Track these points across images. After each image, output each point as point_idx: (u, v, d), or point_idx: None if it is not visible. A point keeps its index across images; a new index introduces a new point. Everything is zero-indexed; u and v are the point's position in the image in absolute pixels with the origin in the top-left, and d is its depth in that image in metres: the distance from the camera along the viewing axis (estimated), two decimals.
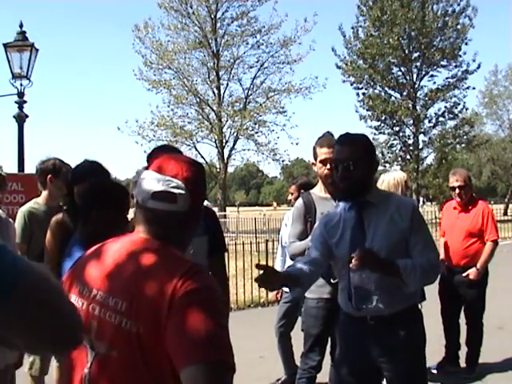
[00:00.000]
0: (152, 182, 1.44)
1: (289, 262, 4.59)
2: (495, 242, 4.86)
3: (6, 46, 8.84)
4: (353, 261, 2.39)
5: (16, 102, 8.81)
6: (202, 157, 24.35)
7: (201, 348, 1.27)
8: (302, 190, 4.69)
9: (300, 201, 3.58)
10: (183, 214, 1.45)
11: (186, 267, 1.37)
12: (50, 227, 3.18)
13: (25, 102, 8.87)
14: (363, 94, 25.63)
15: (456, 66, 25.63)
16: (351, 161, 2.50)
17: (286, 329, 4.77)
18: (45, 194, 4.04)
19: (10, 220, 3.74)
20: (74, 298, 1.46)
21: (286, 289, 4.86)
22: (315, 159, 3.50)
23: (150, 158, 2.81)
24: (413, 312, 2.65)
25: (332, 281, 3.41)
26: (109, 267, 1.44)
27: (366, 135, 2.79)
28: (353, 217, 2.59)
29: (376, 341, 2.57)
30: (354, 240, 2.55)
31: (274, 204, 53.20)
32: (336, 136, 3.62)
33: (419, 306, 2.79)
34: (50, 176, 3.94)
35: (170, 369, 1.32)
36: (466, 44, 25.36)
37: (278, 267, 5.07)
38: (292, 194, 4.86)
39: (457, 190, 4.90)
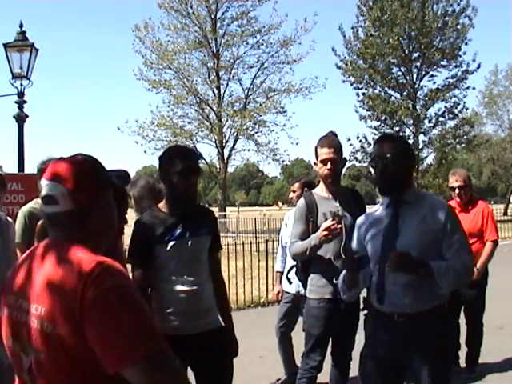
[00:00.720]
0: (41, 188, 1.54)
1: (290, 262, 4.59)
2: (495, 242, 4.86)
3: (5, 45, 8.84)
4: (388, 262, 2.50)
5: (16, 102, 8.81)
6: (203, 157, 24.32)
7: (134, 346, 1.35)
8: (306, 189, 4.69)
9: (302, 201, 3.58)
10: (73, 213, 1.49)
11: (91, 267, 1.40)
12: (37, 231, 3.18)
13: (25, 101, 8.87)
14: (363, 94, 25.64)
15: (456, 66, 25.63)
16: (390, 156, 2.64)
17: (287, 329, 4.77)
18: None
19: (10, 220, 3.74)
20: (5, 308, 1.55)
21: (286, 288, 4.86)
22: (316, 159, 3.51)
23: (161, 158, 2.87)
24: (440, 312, 2.66)
25: (334, 281, 3.42)
26: (28, 275, 1.50)
27: (404, 137, 2.97)
28: (389, 214, 2.72)
29: (402, 338, 2.63)
30: (386, 236, 2.66)
31: (280, 204, 53.14)
32: (340, 136, 3.65)
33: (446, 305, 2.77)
34: None
35: (97, 368, 1.38)
36: (466, 44, 25.39)
37: (278, 267, 5.06)
38: (295, 191, 4.83)
39: (456, 190, 4.90)
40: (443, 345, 2.65)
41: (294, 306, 4.67)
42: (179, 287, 2.75)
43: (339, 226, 3.26)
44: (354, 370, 3.77)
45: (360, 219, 2.94)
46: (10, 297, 1.53)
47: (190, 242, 2.76)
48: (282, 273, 4.92)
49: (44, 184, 1.51)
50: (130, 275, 3.02)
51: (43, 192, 1.51)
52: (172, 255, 2.73)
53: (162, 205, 2.86)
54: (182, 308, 2.73)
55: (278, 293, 5.02)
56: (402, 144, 2.78)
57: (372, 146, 25.16)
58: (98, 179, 1.54)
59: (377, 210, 2.88)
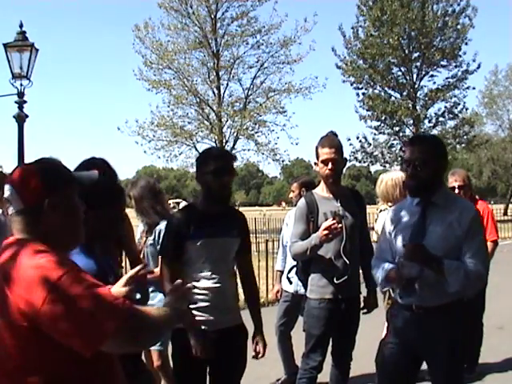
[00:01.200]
0: None
1: (289, 262, 4.59)
2: (495, 242, 4.86)
3: (5, 45, 8.85)
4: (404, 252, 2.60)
5: (16, 102, 8.81)
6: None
7: (94, 330, 1.46)
8: (304, 189, 4.70)
9: (302, 200, 3.59)
10: (23, 212, 1.61)
11: (28, 265, 1.50)
12: None
13: (25, 101, 8.88)
14: (363, 94, 25.63)
15: (456, 66, 25.62)
16: (419, 161, 2.66)
17: (287, 328, 4.77)
18: None
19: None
20: None
21: (285, 287, 4.86)
22: (317, 159, 3.51)
23: (197, 159, 3.01)
24: (456, 307, 2.74)
25: (335, 281, 3.42)
26: None
27: (437, 137, 3.06)
28: (417, 213, 2.75)
29: (417, 329, 2.72)
30: (413, 235, 2.70)
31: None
32: (340, 136, 3.66)
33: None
34: None
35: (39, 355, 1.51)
36: (466, 44, 25.37)
37: (279, 266, 5.06)
38: (293, 191, 4.85)
39: (456, 190, 4.89)
40: (455, 337, 2.73)
41: (292, 305, 4.67)
42: (204, 284, 2.85)
43: (339, 225, 3.27)
44: (354, 370, 3.78)
45: (391, 210, 3.01)
46: None
47: (218, 242, 2.86)
48: (282, 272, 4.92)
49: (5, 187, 1.65)
50: (158, 269, 3.20)
51: (4, 195, 1.65)
52: (200, 252, 2.83)
53: (197, 203, 2.98)
54: (205, 304, 2.83)
55: (278, 292, 5.02)
56: (432, 146, 2.76)
57: (372, 147, 25.52)
58: (46, 179, 1.61)
59: (406, 204, 2.90)
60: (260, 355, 3.05)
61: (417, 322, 2.73)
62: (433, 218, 2.70)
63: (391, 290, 3.01)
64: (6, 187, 1.62)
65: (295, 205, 4.85)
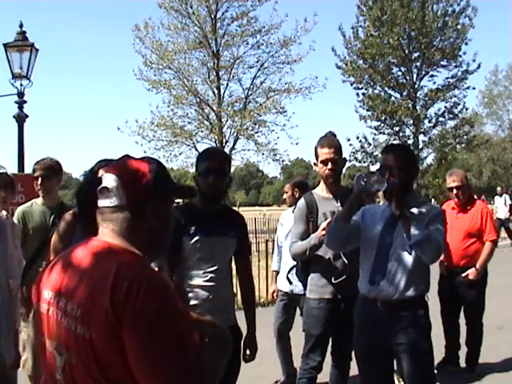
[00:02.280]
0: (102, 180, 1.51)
1: (286, 261, 4.62)
2: (494, 242, 4.86)
3: (6, 45, 8.84)
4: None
5: (16, 102, 8.80)
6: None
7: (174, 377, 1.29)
8: (297, 189, 4.74)
9: (302, 201, 3.59)
10: (124, 209, 1.45)
11: (130, 274, 1.34)
12: (66, 219, 3.19)
13: (25, 101, 8.87)
14: (363, 94, 25.59)
15: (456, 66, 25.57)
16: (396, 166, 2.93)
17: (285, 327, 4.78)
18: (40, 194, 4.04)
19: (13, 221, 3.73)
20: (42, 304, 1.50)
21: (280, 287, 4.86)
22: (316, 159, 3.51)
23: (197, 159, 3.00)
24: (418, 301, 2.97)
25: (333, 280, 3.42)
26: (70, 273, 1.45)
27: (409, 147, 3.34)
28: (390, 210, 2.98)
29: (384, 324, 2.92)
30: (385, 228, 2.98)
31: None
32: (340, 136, 3.67)
33: (426, 298, 3.06)
34: None
35: (128, 378, 1.33)
36: (466, 44, 25.30)
37: (275, 267, 5.07)
38: (287, 192, 4.88)
39: (454, 191, 4.90)
40: (421, 327, 2.93)
41: (289, 305, 4.69)
42: (197, 282, 2.85)
43: None
44: (354, 370, 3.78)
45: (366, 206, 3.20)
46: (47, 292, 1.48)
47: (213, 240, 2.86)
48: (277, 272, 4.93)
49: (104, 176, 1.49)
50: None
51: (102, 184, 1.48)
52: (194, 249, 2.84)
53: (195, 202, 2.99)
54: (198, 302, 2.82)
55: (274, 292, 5.03)
56: (405, 154, 3.09)
57: (372, 147, 25.51)
58: (157, 182, 1.48)
59: (379, 206, 3.23)
60: (249, 359, 3.02)
61: (382, 316, 2.93)
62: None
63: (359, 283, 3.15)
64: (111, 177, 1.46)
65: (290, 205, 4.88)
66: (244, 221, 3.14)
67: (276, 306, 4.86)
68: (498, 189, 17.88)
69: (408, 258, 2.91)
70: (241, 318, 3.07)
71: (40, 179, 3.94)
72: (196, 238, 2.84)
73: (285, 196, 4.96)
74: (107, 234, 1.47)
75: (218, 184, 2.84)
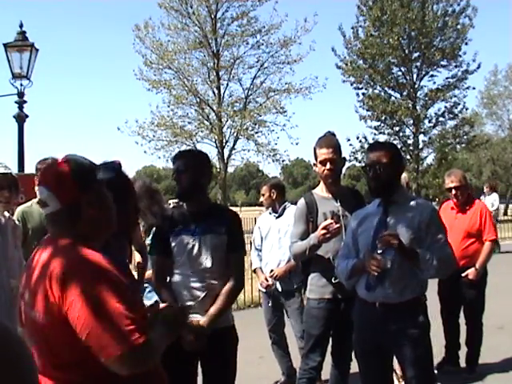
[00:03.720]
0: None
1: (266, 262, 4.65)
2: (494, 242, 4.86)
3: (6, 45, 8.84)
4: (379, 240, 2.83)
5: (16, 102, 8.80)
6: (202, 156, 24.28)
7: (114, 342, 1.51)
8: (274, 191, 4.75)
9: (302, 201, 3.59)
10: (61, 212, 1.65)
11: (64, 258, 1.57)
12: None
13: (25, 101, 8.87)
14: (363, 94, 25.58)
15: (456, 66, 25.56)
16: (379, 165, 2.94)
17: (278, 328, 4.78)
18: None
19: (15, 222, 3.72)
20: (21, 300, 1.74)
21: (261, 288, 4.85)
22: (315, 160, 3.51)
23: (173, 160, 3.03)
24: (417, 303, 2.95)
25: (333, 280, 3.42)
26: (30, 267, 1.69)
27: (393, 143, 3.55)
28: (379, 212, 3.02)
29: (383, 325, 2.91)
30: (376, 230, 2.94)
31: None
32: (339, 136, 3.66)
33: (424, 298, 3.05)
34: None
35: (79, 359, 1.55)
36: (466, 44, 25.29)
37: (257, 265, 4.95)
38: (263, 194, 4.82)
39: (453, 191, 4.90)
40: (420, 330, 2.91)
41: (275, 305, 4.70)
42: (189, 282, 2.85)
43: (337, 225, 3.27)
44: (354, 370, 3.78)
45: (354, 214, 3.21)
46: (23, 290, 1.71)
47: (197, 240, 2.86)
48: (260, 268, 4.87)
49: (36, 189, 1.72)
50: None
51: (38, 196, 1.72)
52: (182, 249, 2.86)
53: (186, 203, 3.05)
54: (193, 303, 2.80)
55: (266, 280, 5.00)
56: (390, 152, 3.04)
57: (367, 148, 25.24)
58: (78, 175, 1.66)
59: (368, 207, 3.20)
60: (188, 347, 2.71)
61: (380, 318, 2.92)
62: (393, 214, 2.97)
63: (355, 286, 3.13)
64: (40, 189, 1.66)
65: (267, 207, 4.86)
66: (236, 217, 3.06)
67: (264, 309, 4.84)
68: (485, 187, 16.26)
69: (403, 262, 2.86)
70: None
71: None
72: (182, 237, 2.87)
73: (262, 198, 4.91)
74: (55, 232, 1.69)
75: (181, 182, 2.91)
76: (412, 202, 3.04)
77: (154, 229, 3.17)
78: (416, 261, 2.81)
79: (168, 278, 2.96)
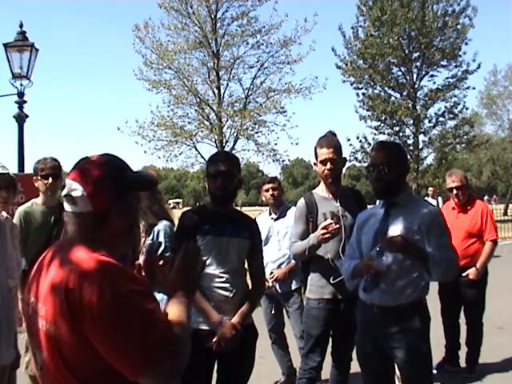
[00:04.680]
0: (65, 185, 1.58)
1: (266, 265, 4.66)
2: (494, 242, 4.86)
3: (6, 45, 8.83)
4: (381, 243, 2.78)
5: (16, 102, 8.79)
6: (202, 157, 24.31)
7: (143, 359, 1.37)
8: (279, 186, 4.81)
9: (302, 201, 3.59)
10: (90, 215, 1.51)
11: (89, 267, 1.42)
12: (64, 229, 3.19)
13: (25, 101, 8.86)
14: (363, 94, 25.58)
15: (456, 66, 25.56)
16: (384, 165, 2.87)
17: (278, 328, 4.79)
18: (42, 194, 4.04)
19: (14, 222, 3.72)
20: (26, 306, 1.59)
21: None
22: (316, 159, 3.51)
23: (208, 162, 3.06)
24: (415, 306, 2.87)
25: (332, 280, 3.42)
26: (39, 275, 1.55)
27: (398, 143, 3.26)
28: (381, 213, 2.98)
29: (381, 328, 2.88)
30: (377, 232, 2.91)
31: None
32: (340, 136, 3.66)
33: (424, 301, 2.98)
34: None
35: (96, 374, 1.41)
36: (466, 44, 25.29)
37: None
38: (268, 190, 4.76)
39: (454, 191, 4.90)
40: (418, 339, 2.84)
41: (274, 303, 4.70)
42: (214, 282, 2.89)
43: (337, 225, 3.27)
44: (354, 370, 3.78)
45: (359, 215, 3.17)
46: (29, 295, 1.57)
47: (225, 241, 2.91)
48: None
49: (67, 183, 1.54)
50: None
51: (65, 190, 1.53)
52: (207, 248, 2.87)
53: (208, 204, 3.09)
54: (216, 303, 2.86)
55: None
56: (395, 152, 2.99)
57: (371, 147, 25.33)
58: (118, 183, 1.53)
59: (374, 207, 3.16)
60: (220, 350, 2.84)
61: (378, 321, 2.89)
62: (395, 217, 2.91)
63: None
64: (73, 184, 1.51)
65: (274, 203, 4.81)
66: (256, 223, 3.20)
67: (263, 310, 4.84)
68: (430, 189, 14.98)
69: (402, 265, 2.82)
70: (254, 317, 3.09)
71: (51, 178, 3.93)
72: (209, 237, 2.90)
73: (268, 193, 4.76)
74: (74, 236, 1.54)
75: (226, 186, 2.91)
76: (415, 205, 2.95)
77: (179, 226, 3.10)
78: (425, 261, 2.74)
79: None
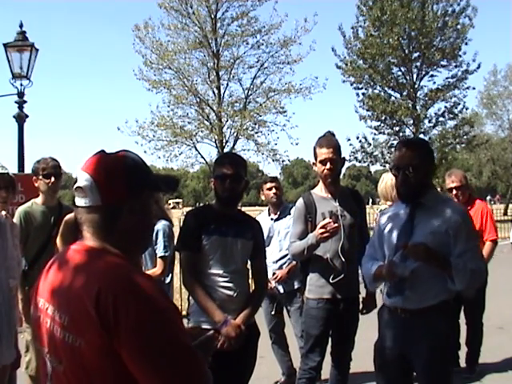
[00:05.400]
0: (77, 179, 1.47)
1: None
2: (495, 242, 4.85)
3: (6, 45, 8.84)
4: (405, 250, 2.62)
5: (16, 102, 8.81)
6: (202, 157, 24.34)
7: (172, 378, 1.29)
8: (279, 186, 4.82)
9: (301, 200, 3.59)
10: (100, 209, 1.42)
11: (113, 283, 1.32)
12: (66, 222, 3.19)
13: (25, 101, 8.87)
14: (363, 94, 25.58)
15: (456, 66, 25.56)
16: (411, 166, 2.68)
17: (278, 328, 4.79)
18: (42, 194, 4.04)
19: (14, 221, 3.72)
20: (36, 311, 1.49)
21: None
22: (315, 159, 3.51)
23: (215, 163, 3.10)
24: (440, 309, 2.72)
25: (331, 280, 3.42)
26: (56, 280, 1.43)
27: (425, 140, 2.97)
28: (406, 213, 2.79)
29: (404, 332, 2.74)
30: (401, 235, 2.75)
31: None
32: (339, 136, 3.66)
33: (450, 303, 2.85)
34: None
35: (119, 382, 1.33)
36: (466, 44, 25.29)
37: None
38: (270, 189, 4.74)
39: (453, 191, 4.90)
40: (440, 340, 2.71)
41: (274, 303, 4.71)
42: (219, 282, 2.91)
43: (335, 224, 3.27)
44: (353, 370, 3.78)
45: (381, 213, 3.04)
46: (39, 299, 1.48)
47: (230, 241, 2.93)
48: None
49: (78, 174, 1.45)
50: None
51: (77, 183, 1.45)
52: (212, 248, 2.90)
53: (213, 204, 3.09)
54: (220, 302, 2.86)
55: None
56: (422, 152, 2.77)
57: (372, 147, 25.54)
58: (132, 177, 1.43)
59: (396, 206, 2.97)
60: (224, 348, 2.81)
61: (402, 324, 2.76)
62: (421, 219, 2.74)
63: (379, 291, 3.02)
64: (85, 176, 1.42)
65: (274, 203, 4.80)
66: (259, 224, 3.21)
67: (264, 310, 4.84)
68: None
69: (427, 269, 2.65)
70: (256, 317, 3.10)
71: (53, 178, 3.93)
72: (215, 237, 2.91)
73: (271, 191, 4.73)
74: (87, 236, 1.45)
75: (233, 188, 2.93)
76: (441, 206, 2.76)
77: (184, 225, 3.09)
78: (448, 270, 2.60)
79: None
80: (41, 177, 3.94)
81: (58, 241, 3.20)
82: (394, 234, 2.80)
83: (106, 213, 1.42)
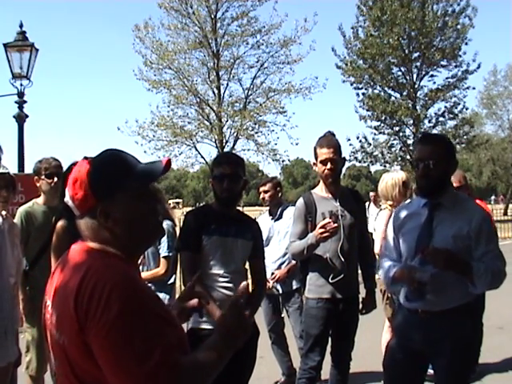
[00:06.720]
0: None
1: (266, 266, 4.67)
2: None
3: (6, 45, 8.84)
4: (426, 255, 2.53)
5: (16, 102, 8.81)
6: (202, 157, 24.32)
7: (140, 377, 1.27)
8: (278, 188, 4.79)
9: (301, 200, 3.59)
10: (82, 218, 1.47)
11: (93, 278, 1.32)
12: (56, 232, 3.18)
13: (25, 101, 8.87)
14: (363, 94, 25.58)
15: (456, 66, 25.57)
16: (431, 160, 2.63)
17: (277, 328, 4.78)
18: (44, 194, 4.04)
19: (14, 220, 3.72)
20: (43, 309, 1.52)
21: None
22: (316, 159, 3.52)
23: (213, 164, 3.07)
24: (464, 311, 2.67)
25: (331, 280, 3.42)
26: (57, 279, 1.47)
27: (447, 136, 3.00)
28: (424, 214, 2.71)
29: (423, 333, 2.67)
30: (420, 238, 2.67)
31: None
32: (339, 136, 3.66)
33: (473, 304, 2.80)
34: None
35: (101, 380, 1.32)
36: (466, 44, 25.30)
37: None
38: (267, 191, 4.75)
39: None
40: (464, 342, 2.66)
41: (274, 306, 4.71)
42: (219, 282, 2.92)
43: (335, 224, 3.27)
44: (353, 370, 3.78)
45: (396, 212, 2.93)
46: (46, 298, 1.51)
47: (230, 241, 2.94)
48: None
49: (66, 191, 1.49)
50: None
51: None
52: (213, 248, 2.91)
53: (213, 204, 3.10)
54: (220, 303, 2.85)
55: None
56: (444, 146, 2.73)
57: (372, 147, 25.54)
58: (96, 186, 1.44)
59: (411, 204, 2.91)
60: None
61: (422, 326, 2.69)
62: (440, 220, 2.67)
63: (394, 293, 2.98)
64: (66, 190, 1.48)
65: (270, 205, 4.80)
66: (258, 225, 3.22)
67: (263, 310, 4.84)
68: (371, 194, 13.06)
69: (446, 272, 2.56)
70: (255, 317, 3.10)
71: (56, 178, 3.93)
72: (215, 237, 2.92)
73: (266, 195, 4.76)
74: (85, 236, 1.48)
75: (232, 188, 2.93)
76: (461, 207, 2.71)
77: (184, 225, 3.08)
78: (470, 275, 2.54)
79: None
80: (43, 177, 3.94)
81: (52, 255, 3.19)
82: (413, 236, 2.72)
83: (88, 220, 1.46)
